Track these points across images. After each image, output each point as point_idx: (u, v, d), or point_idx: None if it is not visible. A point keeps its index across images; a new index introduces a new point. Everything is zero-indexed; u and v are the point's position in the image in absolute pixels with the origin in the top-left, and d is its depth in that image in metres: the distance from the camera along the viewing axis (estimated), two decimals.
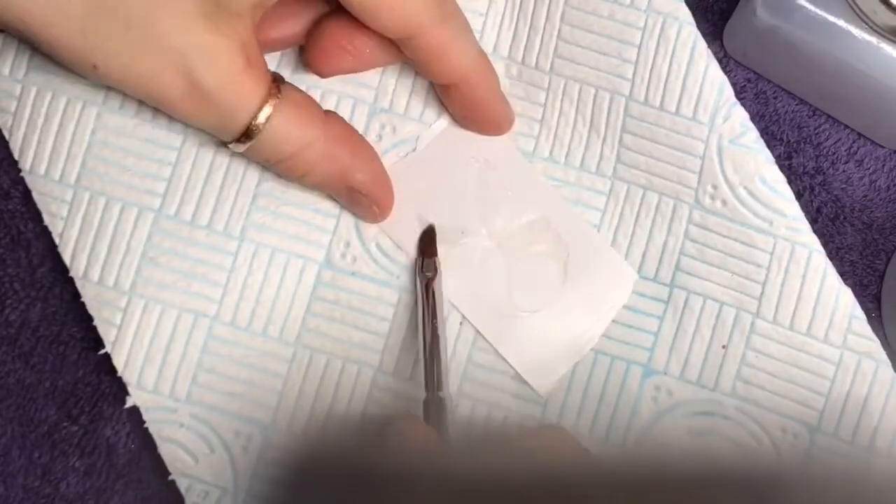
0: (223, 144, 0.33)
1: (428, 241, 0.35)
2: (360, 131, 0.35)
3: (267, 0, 0.31)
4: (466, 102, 0.34)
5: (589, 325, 0.35)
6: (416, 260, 0.35)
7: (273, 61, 0.35)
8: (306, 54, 0.34)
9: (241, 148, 0.32)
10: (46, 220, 0.34)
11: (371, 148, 0.34)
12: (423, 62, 0.33)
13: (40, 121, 0.34)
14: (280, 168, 0.33)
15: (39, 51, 0.32)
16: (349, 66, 0.33)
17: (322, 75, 0.34)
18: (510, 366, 0.35)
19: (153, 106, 0.32)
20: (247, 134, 0.31)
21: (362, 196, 0.34)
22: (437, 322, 0.33)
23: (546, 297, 0.35)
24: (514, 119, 0.35)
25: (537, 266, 0.35)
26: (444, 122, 0.35)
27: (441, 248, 0.35)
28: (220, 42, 0.30)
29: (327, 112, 0.33)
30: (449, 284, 0.35)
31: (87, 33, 0.30)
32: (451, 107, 0.35)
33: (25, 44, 0.34)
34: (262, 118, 0.31)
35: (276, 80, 0.32)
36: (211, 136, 0.34)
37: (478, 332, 0.35)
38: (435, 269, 0.34)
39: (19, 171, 0.35)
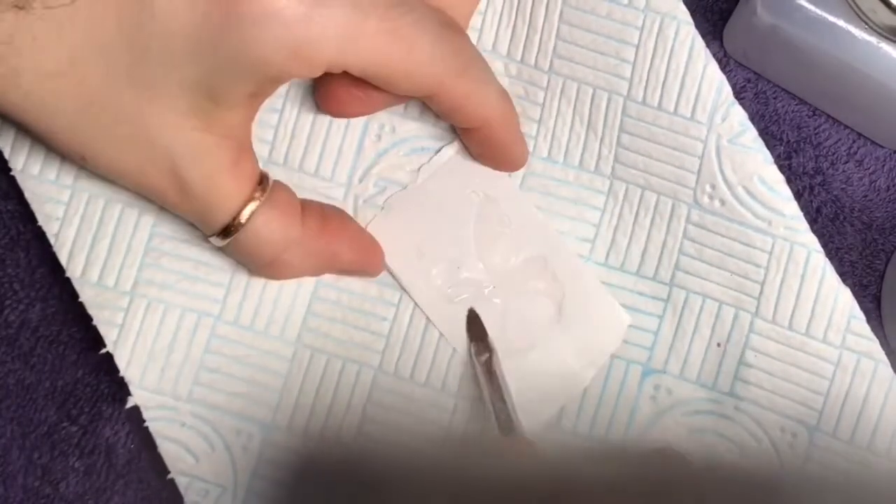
0: (205, 238, 0.33)
1: (474, 325, 0.35)
2: (359, 131, 0.35)
3: (263, 90, 0.30)
4: (487, 143, 0.34)
5: (581, 368, 0.35)
6: (468, 346, 0.35)
7: None
8: (318, 97, 0.34)
9: (220, 243, 0.32)
10: (41, 220, 0.34)
11: (351, 222, 0.34)
12: (445, 112, 0.33)
13: None
14: (265, 272, 0.33)
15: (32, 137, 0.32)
16: (360, 111, 0.34)
17: (337, 118, 0.35)
18: None
19: (137, 194, 0.32)
20: (226, 231, 0.31)
21: (351, 270, 0.34)
22: (508, 403, 0.33)
23: (540, 335, 0.35)
24: (528, 156, 0.35)
25: (532, 304, 0.35)
26: (447, 153, 0.35)
27: (437, 281, 0.35)
28: (208, 139, 0.30)
29: (304, 203, 0.33)
30: (443, 317, 0.35)
31: (77, 129, 0.30)
32: (470, 145, 0.35)
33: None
34: (243, 218, 0.31)
35: (263, 181, 0.32)
36: None
37: (470, 367, 0.35)
38: (489, 350, 0.34)
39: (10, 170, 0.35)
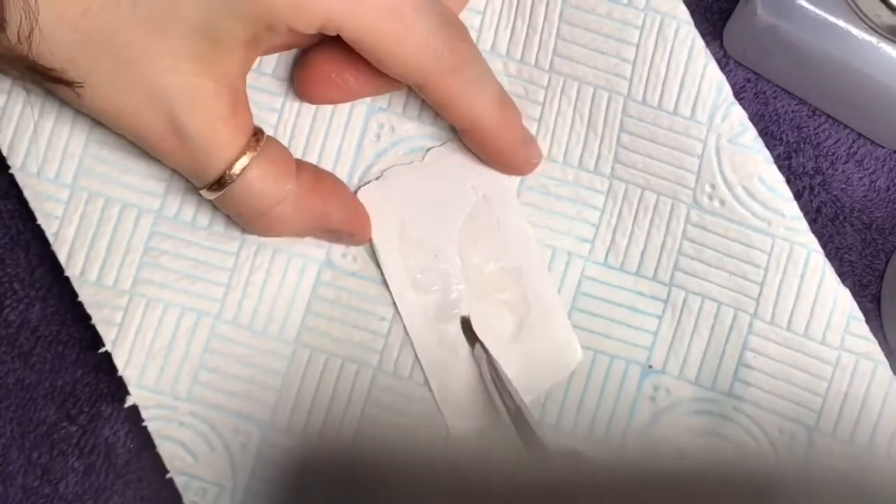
0: (196, 191, 0.33)
1: (471, 330, 0.35)
2: (359, 130, 0.35)
3: (260, 38, 0.30)
4: (479, 146, 0.34)
5: (518, 389, 0.34)
6: (470, 350, 0.35)
7: (272, 60, 0.35)
8: (296, 83, 0.34)
9: (212, 196, 0.32)
10: (39, 218, 0.34)
11: (342, 185, 0.34)
12: (435, 107, 0.33)
13: (34, 118, 0.34)
14: (255, 225, 0.33)
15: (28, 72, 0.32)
16: (338, 97, 0.34)
17: (312, 103, 0.34)
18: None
19: (132, 140, 0.32)
20: (219, 183, 0.31)
21: (340, 232, 0.34)
22: (525, 414, 0.33)
23: (492, 346, 0.35)
24: (538, 161, 0.35)
25: (494, 314, 0.35)
26: (460, 143, 0.35)
27: (411, 262, 0.35)
28: (207, 85, 0.30)
29: (298, 162, 0.33)
30: (405, 302, 0.35)
31: (77, 62, 0.30)
32: (468, 146, 0.35)
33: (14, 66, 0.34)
34: (236, 169, 0.31)
35: (258, 133, 0.32)
36: None
37: (416, 357, 0.35)
38: (486, 351, 0.34)
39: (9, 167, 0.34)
